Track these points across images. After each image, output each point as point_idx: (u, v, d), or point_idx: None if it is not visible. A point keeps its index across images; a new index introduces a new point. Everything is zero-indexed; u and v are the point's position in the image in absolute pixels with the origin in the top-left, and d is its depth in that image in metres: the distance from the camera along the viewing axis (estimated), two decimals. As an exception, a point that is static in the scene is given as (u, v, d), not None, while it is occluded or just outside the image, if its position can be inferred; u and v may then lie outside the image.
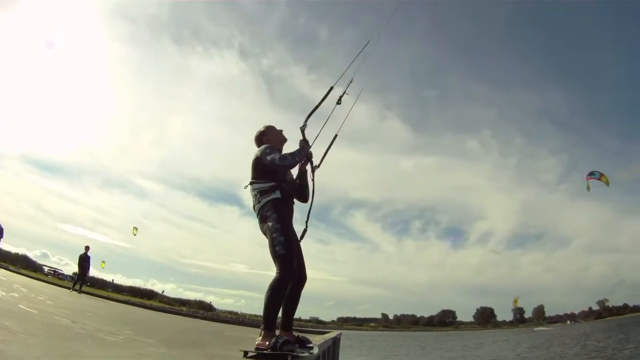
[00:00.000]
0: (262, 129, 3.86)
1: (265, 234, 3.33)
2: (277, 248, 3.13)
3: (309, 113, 3.74)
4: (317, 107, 3.76)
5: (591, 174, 22.76)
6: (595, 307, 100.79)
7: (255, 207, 3.44)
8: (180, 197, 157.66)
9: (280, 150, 3.67)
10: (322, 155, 3.80)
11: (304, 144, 3.63)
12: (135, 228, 30.13)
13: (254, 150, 3.70)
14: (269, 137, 3.78)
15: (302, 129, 3.68)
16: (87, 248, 16.77)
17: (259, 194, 3.41)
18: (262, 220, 3.35)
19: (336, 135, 3.88)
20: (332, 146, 3.82)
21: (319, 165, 3.77)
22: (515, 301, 48.53)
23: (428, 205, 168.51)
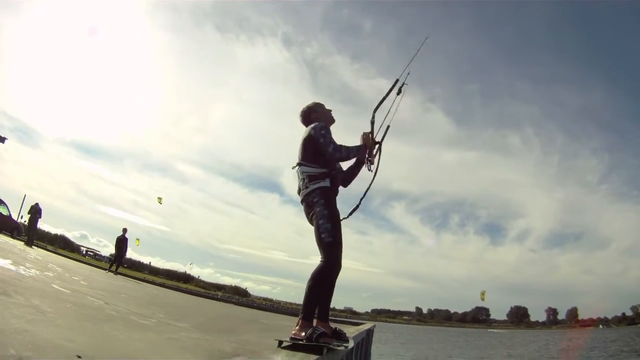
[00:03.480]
0: (311, 105, 3.57)
1: (311, 220, 3.15)
2: (323, 235, 2.97)
3: (376, 105, 3.47)
4: (384, 99, 3.51)
5: None
6: (629, 313, 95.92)
7: (302, 191, 3.23)
8: (220, 182, 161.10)
9: None
10: (375, 152, 3.49)
11: (369, 141, 3.39)
12: (160, 198, 30.56)
13: (301, 129, 3.44)
14: (319, 115, 3.50)
15: (372, 122, 3.43)
16: (124, 230, 17.17)
17: (308, 178, 3.18)
18: (309, 206, 3.16)
19: (388, 127, 3.57)
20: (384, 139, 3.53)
21: (373, 162, 3.51)
22: (482, 294, 45.09)
23: (467, 200, 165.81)
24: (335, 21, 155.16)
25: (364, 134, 3.42)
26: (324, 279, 2.94)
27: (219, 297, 27.43)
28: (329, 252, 2.95)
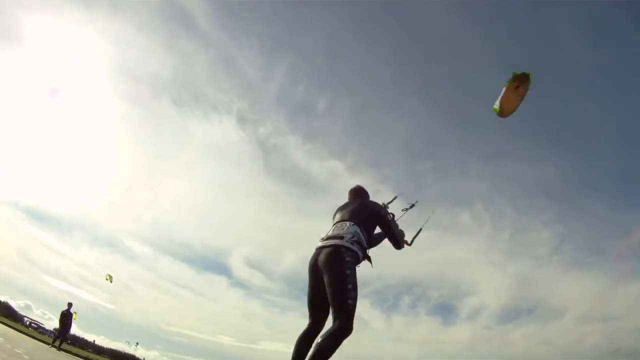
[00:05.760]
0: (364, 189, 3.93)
1: (332, 278, 3.10)
2: (349, 301, 2.98)
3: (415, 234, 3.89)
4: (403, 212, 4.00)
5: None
6: None
7: (335, 240, 3.25)
8: (168, 262, 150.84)
9: None
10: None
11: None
12: (110, 275, 29.68)
13: (366, 201, 3.74)
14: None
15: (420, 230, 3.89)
16: (69, 305, 17.26)
17: (355, 239, 3.24)
18: (336, 259, 3.14)
19: (396, 197, 4.03)
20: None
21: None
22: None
23: (418, 281, 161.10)
24: (290, 99, 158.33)
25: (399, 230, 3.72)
26: (337, 342, 2.91)
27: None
28: (348, 318, 2.94)
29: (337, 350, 2.85)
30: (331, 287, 3.05)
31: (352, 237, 3.24)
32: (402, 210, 3.97)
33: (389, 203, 3.88)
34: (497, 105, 6.94)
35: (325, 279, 3.11)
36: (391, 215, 3.67)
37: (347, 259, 3.12)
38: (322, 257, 3.20)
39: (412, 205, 4.02)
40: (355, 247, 3.21)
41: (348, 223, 3.36)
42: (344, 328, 2.92)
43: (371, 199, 3.74)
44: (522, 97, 6.98)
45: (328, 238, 3.31)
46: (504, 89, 6.85)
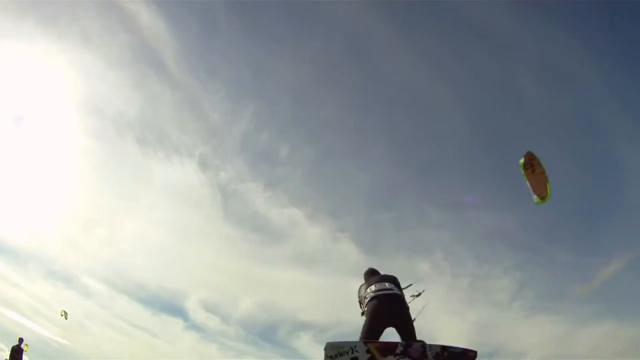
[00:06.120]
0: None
1: (400, 312, 4.48)
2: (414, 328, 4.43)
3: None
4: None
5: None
6: None
7: (399, 292, 4.70)
8: (124, 301, 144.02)
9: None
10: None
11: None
12: (65, 312, 28.61)
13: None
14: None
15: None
16: (20, 340, 16.63)
17: (404, 294, 4.85)
18: (403, 304, 4.65)
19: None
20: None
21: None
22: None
23: None
24: (253, 145, 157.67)
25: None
26: None
27: None
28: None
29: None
30: None
31: (402, 290, 4.79)
32: (411, 296, 5.30)
33: (415, 296, 5.41)
34: (536, 199, 7.73)
35: None
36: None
37: (407, 306, 4.67)
38: None
39: (419, 294, 5.43)
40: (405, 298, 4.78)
41: (395, 289, 4.65)
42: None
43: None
44: (544, 173, 7.56)
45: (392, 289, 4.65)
46: (527, 182, 7.63)
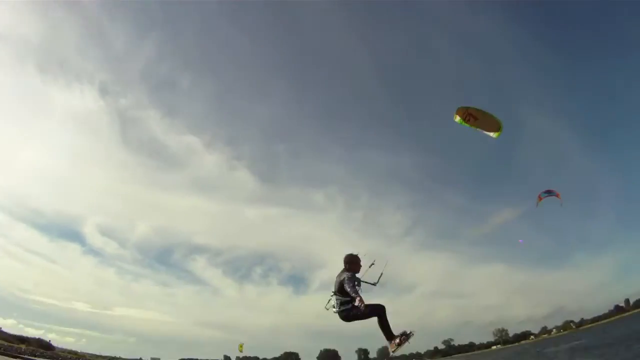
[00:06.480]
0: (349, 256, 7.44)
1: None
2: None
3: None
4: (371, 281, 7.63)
5: (548, 192, 21.20)
6: (442, 347, 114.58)
7: (338, 312, 7.05)
8: (21, 228, 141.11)
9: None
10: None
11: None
12: None
13: (340, 274, 7.22)
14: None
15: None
16: None
17: (342, 305, 6.95)
18: (348, 318, 7.25)
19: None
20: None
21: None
22: (240, 347, 54.11)
23: (270, 253, 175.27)
24: (155, 74, 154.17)
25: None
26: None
27: (23, 350, 28.62)
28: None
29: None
30: None
31: (340, 304, 6.95)
32: (369, 266, 7.13)
33: (370, 266, 7.11)
34: (494, 134, 7.68)
35: None
36: (354, 281, 6.54)
37: (347, 312, 6.96)
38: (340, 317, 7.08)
39: (372, 264, 7.09)
40: (343, 307, 6.97)
41: (333, 297, 6.94)
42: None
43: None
44: (485, 112, 7.57)
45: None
46: (477, 129, 7.53)
